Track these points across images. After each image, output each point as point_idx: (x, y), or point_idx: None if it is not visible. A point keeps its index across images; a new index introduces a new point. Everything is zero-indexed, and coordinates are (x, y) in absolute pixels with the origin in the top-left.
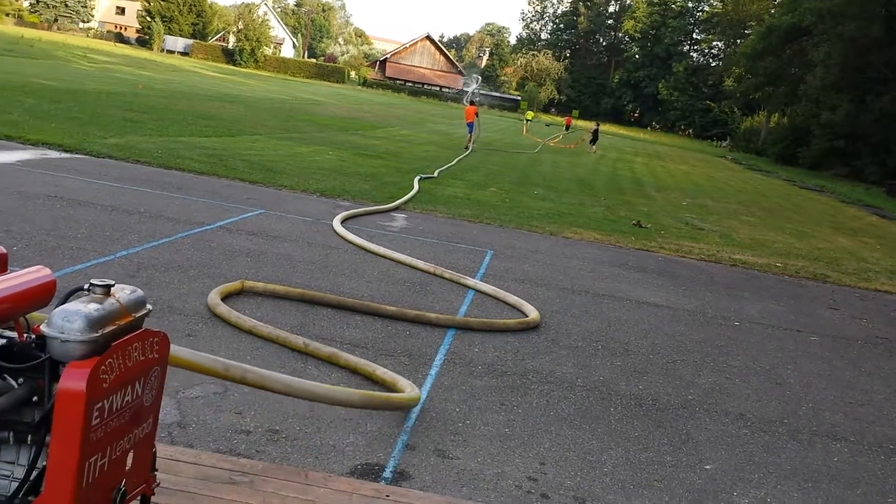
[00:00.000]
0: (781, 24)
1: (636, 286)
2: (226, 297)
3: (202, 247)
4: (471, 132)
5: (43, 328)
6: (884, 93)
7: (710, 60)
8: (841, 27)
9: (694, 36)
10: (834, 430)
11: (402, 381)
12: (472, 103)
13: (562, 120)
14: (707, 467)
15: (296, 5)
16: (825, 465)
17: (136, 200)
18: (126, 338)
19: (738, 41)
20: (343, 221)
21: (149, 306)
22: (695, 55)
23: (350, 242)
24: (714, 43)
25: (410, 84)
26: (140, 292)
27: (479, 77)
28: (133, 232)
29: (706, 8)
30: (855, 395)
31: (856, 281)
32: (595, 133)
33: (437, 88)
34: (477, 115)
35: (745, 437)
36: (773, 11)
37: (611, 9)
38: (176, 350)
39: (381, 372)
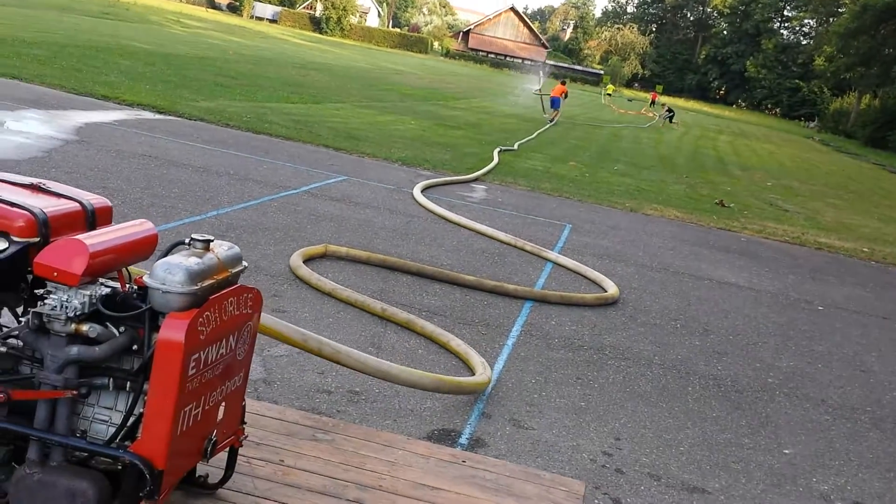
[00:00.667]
0: (877, 3)
1: (717, 266)
2: (309, 260)
3: (288, 210)
4: (555, 108)
5: (145, 279)
6: None
7: (801, 38)
8: None
9: (785, 13)
10: None
11: (475, 358)
12: (563, 82)
13: (645, 95)
14: (786, 451)
15: None
16: None
17: (226, 162)
18: (223, 292)
19: (831, 19)
20: (423, 190)
21: (244, 263)
22: (785, 32)
23: (430, 211)
24: (805, 20)
25: (493, 56)
26: (237, 249)
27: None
28: (223, 193)
29: None
30: None
31: None
32: (669, 110)
33: (520, 61)
34: (565, 95)
35: (826, 423)
36: None
37: None
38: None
39: (456, 343)
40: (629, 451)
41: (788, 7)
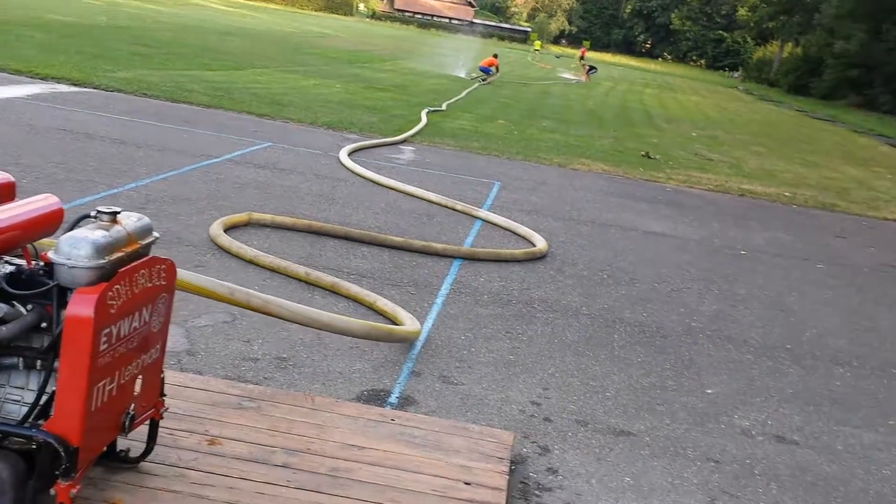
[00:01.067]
0: None
1: (643, 216)
2: (231, 229)
3: (210, 179)
4: (486, 73)
5: (50, 255)
6: None
7: None
8: None
9: None
10: (837, 355)
11: (403, 314)
12: (495, 56)
13: (573, 51)
14: (708, 391)
15: None
16: (827, 388)
17: (145, 133)
18: (133, 264)
19: None
20: (350, 154)
21: (155, 234)
22: None
23: (358, 175)
24: None
25: (420, 16)
26: (147, 220)
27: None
28: (141, 165)
29: None
30: (860, 321)
31: (864, 210)
32: (591, 67)
33: (447, 21)
34: (496, 69)
35: (747, 362)
36: None
37: None
38: (182, 274)
39: (382, 303)
40: (557, 400)
41: None
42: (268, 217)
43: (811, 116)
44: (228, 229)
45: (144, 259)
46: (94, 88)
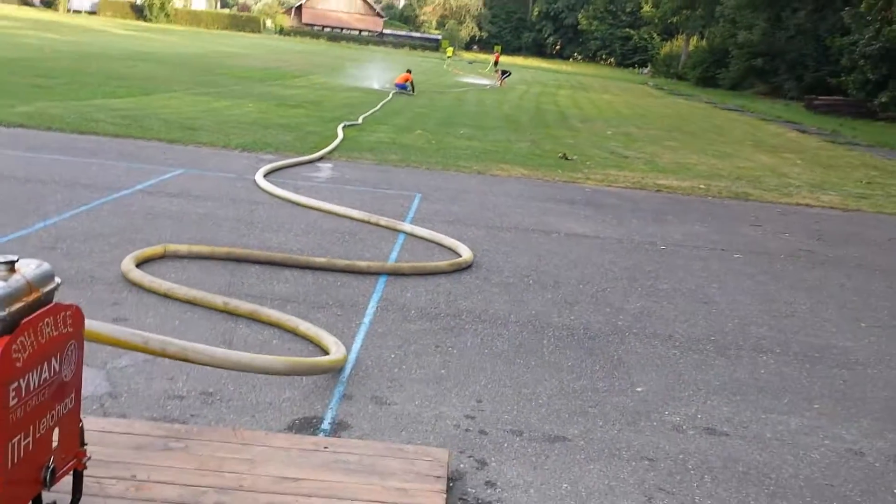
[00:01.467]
0: None
1: (564, 218)
2: (144, 263)
3: (122, 212)
4: (403, 90)
5: None
6: (799, 8)
7: None
8: None
9: None
10: (760, 343)
11: (327, 338)
12: (409, 71)
13: (486, 56)
14: (638, 389)
15: None
16: (752, 377)
17: (51, 169)
18: (36, 314)
19: None
20: (266, 175)
21: (57, 280)
22: None
23: (276, 196)
24: None
25: (329, 29)
26: (47, 266)
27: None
28: (49, 202)
29: None
30: (779, 307)
31: (777, 197)
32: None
33: (357, 32)
34: (412, 84)
35: (674, 357)
36: None
37: None
38: (93, 325)
39: (305, 327)
40: (491, 412)
41: None
42: (184, 247)
43: (721, 107)
44: (142, 263)
45: (48, 307)
46: None
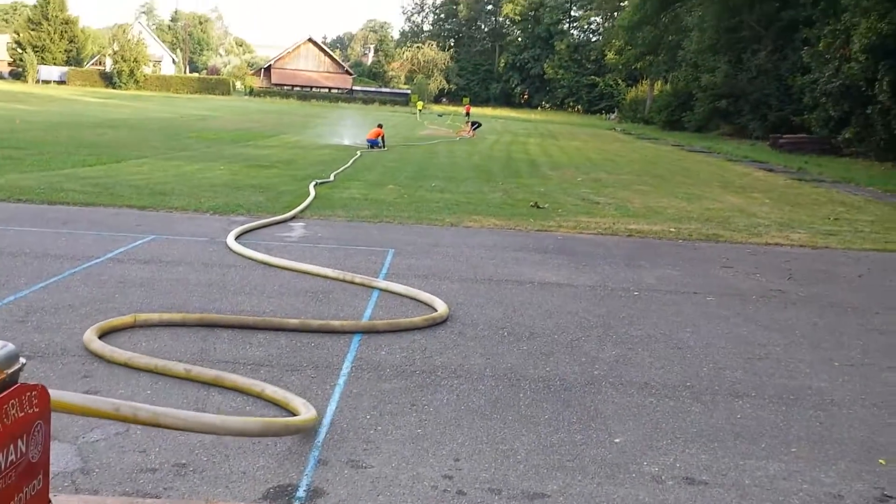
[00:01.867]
0: None
1: (537, 268)
2: (112, 333)
3: (92, 282)
4: (374, 145)
5: None
6: (759, 49)
7: (591, 36)
8: None
9: (572, 13)
10: (735, 387)
11: (295, 400)
12: (379, 126)
13: (456, 109)
14: (616, 441)
15: (171, 21)
16: (729, 423)
17: (20, 241)
18: (1, 396)
19: (616, 14)
20: (238, 237)
21: (22, 360)
22: (575, 32)
23: (248, 258)
24: (592, 18)
25: (298, 88)
26: (11, 346)
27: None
28: (19, 275)
29: None
30: (753, 349)
31: (747, 237)
32: (475, 123)
33: (327, 90)
34: (383, 138)
35: (650, 405)
36: None
37: None
38: (64, 396)
39: (271, 391)
40: (469, 470)
41: (575, 7)
42: (155, 316)
43: (688, 150)
44: (109, 333)
45: (13, 388)
46: None
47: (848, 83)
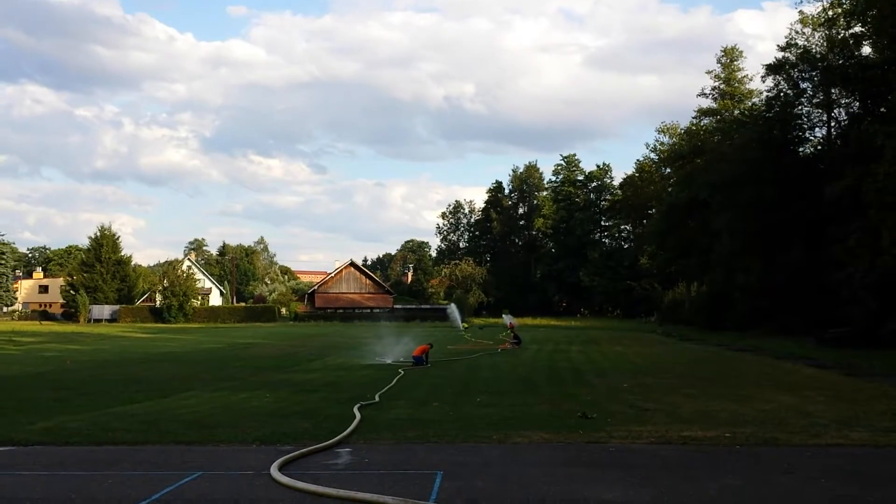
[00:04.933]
0: (679, 201)
1: (592, 484)
2: None
3: None
4: (419, 363)
5: None
6: (790, 248)
7: (622, 242)
8: (737, 195)
9: (602, 223)
10: None
11: None
12: (430, 345)
13: (496, 320)
14: None
15: (219, 255)
16: None
17: (67, 487)
18: None
19: (644, 221)
20: (282, 468)
21: None
22: (607, 240)
23: (295, 489)
24: (623, 227)
25: (341, 310)
26: None
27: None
28: None
29: (608, 197)
30: None
31: (805, 438)
32: (516, 337)
33: (369, 310)
34: (426, 354)
35: None
36: (669, 190)
37: (520, 210)
38: None
39: None
40: None
41: (604, 218)
42: None
43: (732, 349)
44: None
45: None
46: (13, 445)
47: (883, 276)
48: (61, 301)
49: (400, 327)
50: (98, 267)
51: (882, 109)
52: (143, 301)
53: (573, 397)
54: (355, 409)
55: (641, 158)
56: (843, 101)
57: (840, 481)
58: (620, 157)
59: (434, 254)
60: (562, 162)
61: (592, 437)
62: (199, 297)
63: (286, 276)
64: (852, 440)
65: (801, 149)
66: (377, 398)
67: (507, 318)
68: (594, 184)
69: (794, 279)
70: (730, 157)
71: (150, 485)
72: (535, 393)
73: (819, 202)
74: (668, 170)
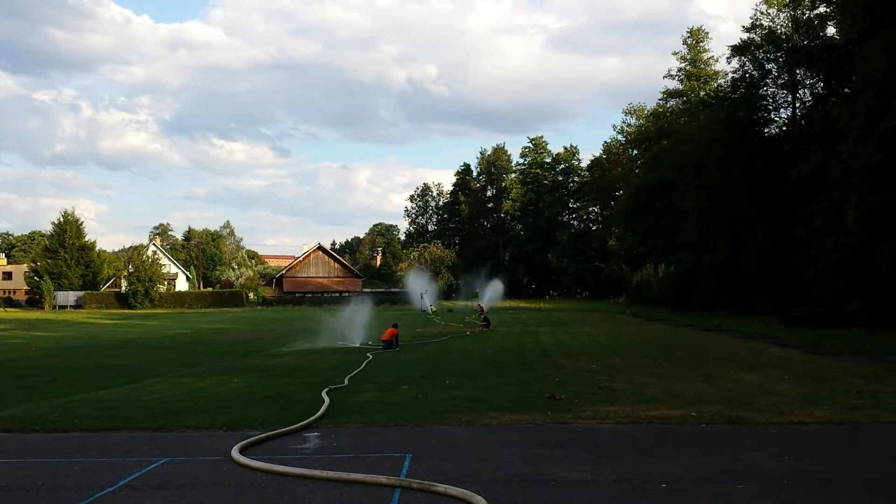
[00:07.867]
0: (647, 183)
1: (559, 464)
2: None
3: None
4: (389, 346)
5: None
6: (756, 229)
7: (591, 224)
8: (703, 176)
9: (570, 205)
10: None
11: None
12: (394, 326)
13: (469, 304)
14: None
15: (185, 240)
16: None
17: (33, 473)
18: None
19: (612, 202)
20: (243, 450)
21: None
22: (575, 222)
23: (254, 469)
24: (591, 208)
25: (310, 295)
26: None
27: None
28: None
29: (576, 179)
30: None
31: (770, 417)
32: (485, 319)
33: (338, 294)
34: (396, 337)
35: None
36: (637, 172)
37: (489, 193)
38: None
39: None
40: None
41: (572, 200)
42: None
43: (698, 329)
44: None
45: None
46: None
47: (848, 255)
48: (25, 288)
49: (369, 311)
50: (62, 253)
51: (846, 90)
52: (108, 287)
53: (542, 378)
54: (323, 393)
55: (608, 140)
56: (807, 82)
57: (804, 457)
58: (586, 138)
59: (403, 237)
60: (529, 144)
61: (560, 418)
62: (166, 283)
63: (254, 261)
64: (816, 418)
65: (766, 130)
66: (346, 381)
67: (481, 300)
68: (562, 166)
69: (761, 259)
70: (696, 139)
71: (116, 471)
72: (504, 375)
73: (784, 182)
74: (636, 151)
